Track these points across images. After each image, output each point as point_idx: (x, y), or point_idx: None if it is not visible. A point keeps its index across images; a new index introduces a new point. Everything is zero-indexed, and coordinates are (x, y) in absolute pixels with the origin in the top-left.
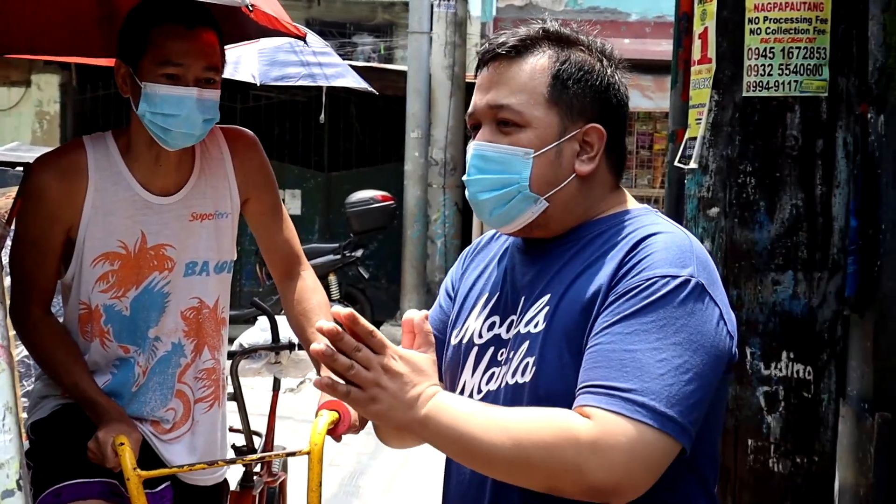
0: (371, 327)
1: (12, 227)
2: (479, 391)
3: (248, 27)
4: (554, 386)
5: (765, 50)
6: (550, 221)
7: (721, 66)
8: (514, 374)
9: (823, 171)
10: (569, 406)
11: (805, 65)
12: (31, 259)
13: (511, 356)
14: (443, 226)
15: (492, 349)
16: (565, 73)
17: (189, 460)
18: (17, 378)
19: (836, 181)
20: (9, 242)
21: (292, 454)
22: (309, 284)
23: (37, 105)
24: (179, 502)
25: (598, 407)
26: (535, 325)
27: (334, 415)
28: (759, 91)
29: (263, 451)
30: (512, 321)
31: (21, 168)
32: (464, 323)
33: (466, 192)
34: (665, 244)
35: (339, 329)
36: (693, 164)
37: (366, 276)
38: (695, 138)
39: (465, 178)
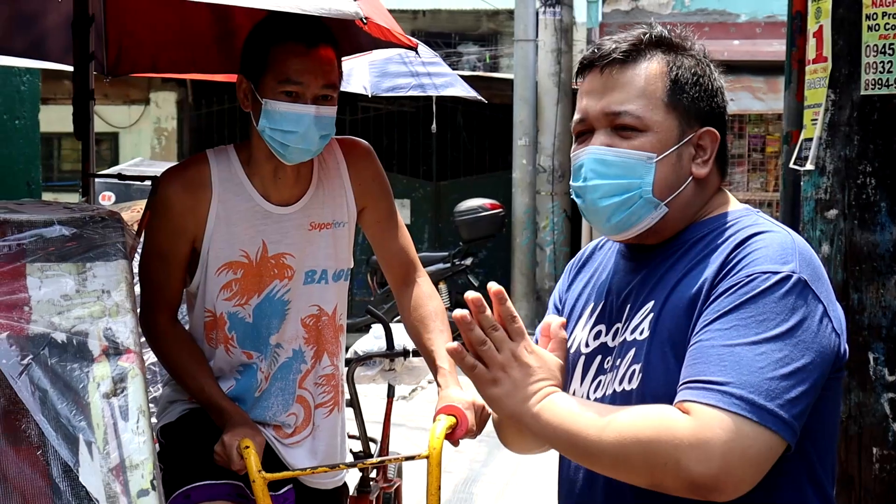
0: (514, 313)
1: (141, 238)
2: (588, 398)
3: (361, 39)
4: (660, 391)
5: (884, 47)
6: (666, 226)
7: (837, 64)
8: (620, 382)
9: None
10: None
11: None
12: (158, 270)
13: (618, 364)
14: (552, 233)
15: (599, 357)
16: (682, 77)
17: (310, 464)
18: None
19: None
20: (138, 254)
21: (411, 458)
22: (425, 291)
23: (155, 122)
24: (302, 503)
25: (695, 401)
26: (641, 333)
27: (452, 420)
28: (879, 89)
29: (379, 456)
30: (617, 329)
31: (147, 182)
32: (571, 333)
33: (580, 199)
34: (767, 242)
35: (484, 303)
36: (809, 166)
37: (475, 284)
38: (811, 139)
39: (579, 183)
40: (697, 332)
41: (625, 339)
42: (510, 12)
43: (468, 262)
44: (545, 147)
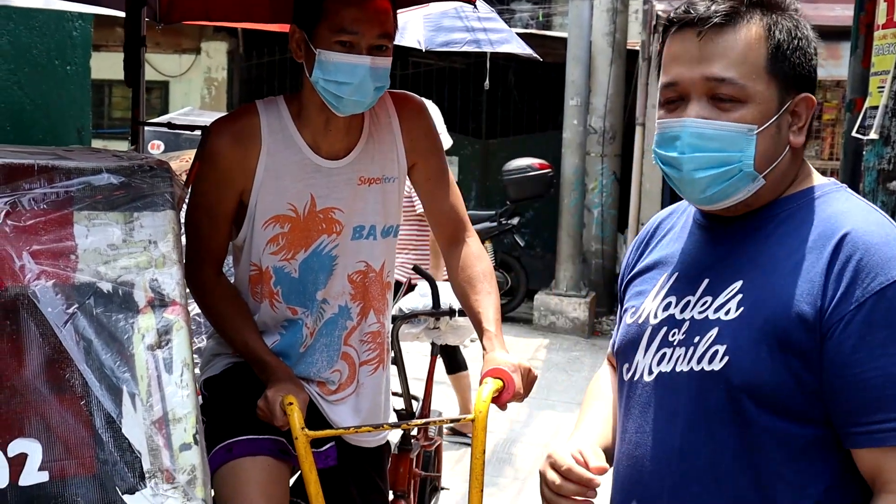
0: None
1: (189, 189)
2: (651, 372)
3: None
4: (750, 378)
5: None
6: (759, 198)
7: None
8: (699, 361)
9: None
10: (759, 400)
11: None
12: (205, 222)
13: (694, 339)
14: (600, 195)
15: (664, 329)
16: (783, 42)
17: (354, 422)
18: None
19: None
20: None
21: (457, 420)
22: (474, 251)
23: (205, 72)
24: (343, 461)
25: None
26: (727, 313)
27: (499, 383)
28: None
29: (421, 414)
30: (688, 301)
31: (196, 132)
32: (641, 304)
33: (672, 169)
34: (881, 237)
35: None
36: (873, 135)
37: (522, 243)
38: (876, 107)
39: (673, 154)
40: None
41: (707, 315)
42: None
43: (515, 221)
44: (597, 108)
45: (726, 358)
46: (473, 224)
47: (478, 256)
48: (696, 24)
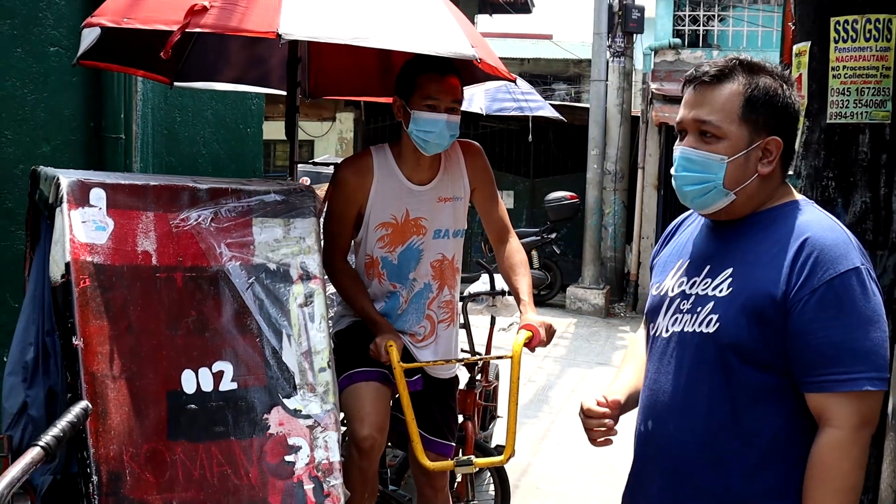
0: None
1: (325, 205)
2: (667, 331)
3: (477, 73)
4: (734, 339)
5: (844, 89)
6: (735, 209)
7: (811, 101)
8: (700, 325)
9: (886, 177)
10: (741, 356)
11: (873, 100)
12: (336, 227)
13: (698, 310)
14: (613, 218)
15: (678, 301)
16: (754, 97)
17: (433, 359)
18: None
19: (895, 185)
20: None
21: (500, 357)
22: (514, 247)
23: (339, 133)
24: (426, 387)
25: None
26: (720, 291)
27: (529, 333)
28: (839, 119)
29: (483, 366)
30: (695, 281)
31: (331, 167)
32: (663, 280)
33: (673, 183)
34: (832, 241)
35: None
36: (790, 172)
37: (558, 251)
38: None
39: (673, 172)
40: (806, 331)
41: (707, 292)
42: (588, 61)
43: (553, 235)
44: (610, 156)
45: (718, 324)
46: (524, 238)
47: (517, 250)
48: (695, 81)
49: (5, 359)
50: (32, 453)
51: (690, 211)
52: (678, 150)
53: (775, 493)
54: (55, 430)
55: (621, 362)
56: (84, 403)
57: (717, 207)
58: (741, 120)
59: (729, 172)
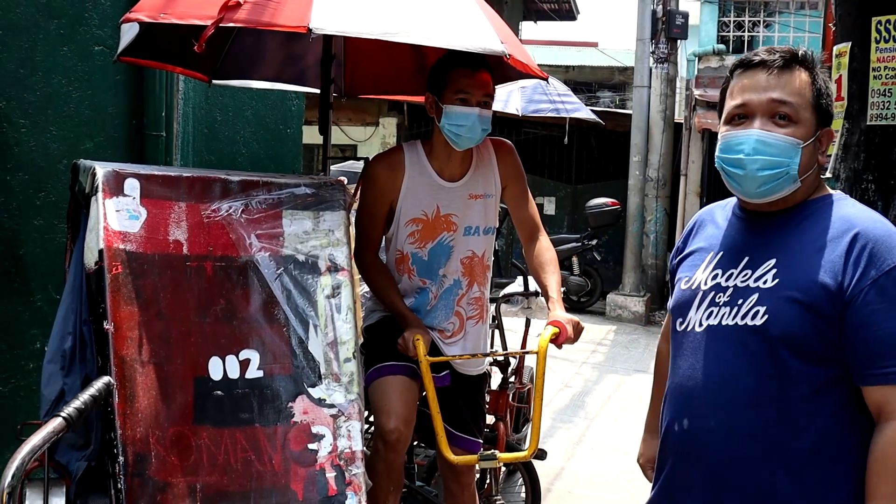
0: None
1: (356, 199)
2: (700, 325)
3: (509, 72)
4: (785, 331)
5: (884, 90)
6: (794, 198)
7: (851, 102)
8: (743, 318)
9: None
10: (791, 348)
11: None
12: (368, 222)
13: (738, 302)
14: (654, 224)
15: (712, 294)
16: (822, 88)
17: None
18: (357, 294)
19: None
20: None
21: (527, 352)
22: (544, 245)
23: (382, 138)
24: (454, 383)
25: None
26: (764, 282)
27: (556, 330)
28: (880, 121)
29: (517, 368)
30: (731, 273)
31: (361, 162)
32: (693, 274)
33: (736, 168)
34: (884, 232)
35: None
36: (828, 174)
37: (598, 258)
38: (830, 155)
39: (739, 156)
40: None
41: (748, 284)
42: (632, 68)
43: (594, 242)
44: (653, 163)
45: (766, 316)
46: (564, 244)
47: (546, 248)
48: (764, 65)
49: (46, 347)
50: (55, 423)
51: (707, 208)
52: (748, 133)
53: (825, 488)
54: (77, 403)
55: (653, 387)
56: (106, 378)
57: (782, 195)
58: (812, 107)
59: (803, 159)
